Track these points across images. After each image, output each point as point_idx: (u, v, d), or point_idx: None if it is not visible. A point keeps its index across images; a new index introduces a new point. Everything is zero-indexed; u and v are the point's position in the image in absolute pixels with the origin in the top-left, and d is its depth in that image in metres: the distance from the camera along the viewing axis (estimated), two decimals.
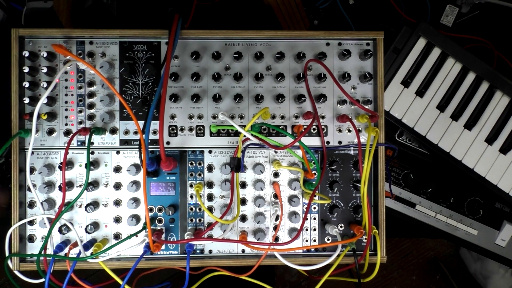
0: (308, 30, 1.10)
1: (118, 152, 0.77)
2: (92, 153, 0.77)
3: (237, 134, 0.78)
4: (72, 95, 0.76)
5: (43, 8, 0.96)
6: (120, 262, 0.76)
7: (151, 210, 0.77)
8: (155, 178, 0.77)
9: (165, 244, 0.77)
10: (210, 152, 0.78)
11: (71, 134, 0.75)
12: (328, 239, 0.79)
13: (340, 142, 0.79)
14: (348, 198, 0.79)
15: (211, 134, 0.78)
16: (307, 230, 0.79)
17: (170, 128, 0.77)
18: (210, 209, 0.78)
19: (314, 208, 0.79)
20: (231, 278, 0.80)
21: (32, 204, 0.76)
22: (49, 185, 0.75)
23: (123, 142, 0.77)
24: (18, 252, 0.74)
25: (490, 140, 0.97)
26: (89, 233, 0.75)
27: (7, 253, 0.73)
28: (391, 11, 1.12)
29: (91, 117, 0.77)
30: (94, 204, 0.75)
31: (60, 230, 0.75)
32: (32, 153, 0.75)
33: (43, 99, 0.70)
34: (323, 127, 0.79)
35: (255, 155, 0.79)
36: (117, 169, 0.77)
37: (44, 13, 0.97)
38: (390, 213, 1.00)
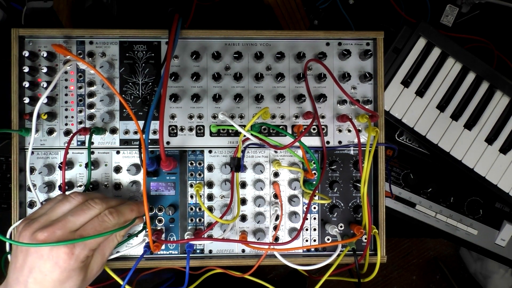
0: (308, 30, 1.10)
1: (118, 152, 0.77)
2: (92, 153, 0.77)
3: (237, 134, 0.78)
4: (72, 95, 0.77)
5: (43, 8, 0.97)
6: (120, 262, 0.75)
7: (151, 210, 0.77)
8: (155, 178, 0.77)
9: (165, 244, 0.77)
10: (210, 152, 0.78)
11: (71, 134, 0.75)
12: (328, 239, 0.79)
13: (340, 142, 0.79)
14: (348, 198, 0.79)
15: (211, 134, 0.78)
16: (307, 230, 0.79)
17: (170, 128, 0.77)
18: (210, 209, 0.78)
19: (314, 208, 0.79)
20: (231, 278, 0.80)
21: (32, 204, 0.76)
22: (49, 185, 0.75)
23: (123, 142, 0.77)
24: None
25: (490, 140, 0.97)
26: None
27: (7, 250, 0.73)
28: (391, 11, 1.12)
29: (91, 117, 0.77)
30: None
31: None
32: (32, 153, 0.75)
33: (43, 99, 0.69)
34: (323, 127, 0.79)
35: (255, 155, 0.79)
36: (117, 169, 0.77)
37: (44, 13, 0.97)
38: (390, 213, 1.00)
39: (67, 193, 0.68)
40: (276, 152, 0.79)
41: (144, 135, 0.63)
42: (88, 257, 0.60)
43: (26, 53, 0.73)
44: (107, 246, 0.66)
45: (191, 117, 0.77)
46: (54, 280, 0.56)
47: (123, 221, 0.66)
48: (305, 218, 0.77)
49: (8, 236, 0.73)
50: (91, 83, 0.76)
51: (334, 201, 0.79)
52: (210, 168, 0.78)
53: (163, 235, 0.77)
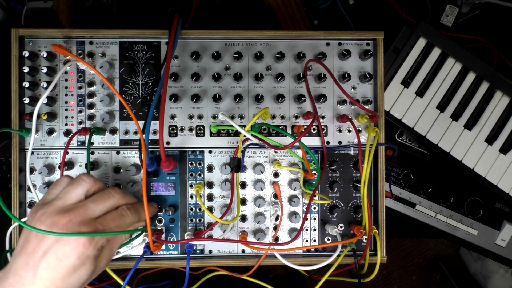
0: (308, 30, 1.10)
1: (118, 152, 0.77)
2: (92, 153, 0.77)
3: (237, 134, 0.78)
4: (72, 95, 0.76)
5: (43, 8, 0.96)
6: (120, 262, 0.75)
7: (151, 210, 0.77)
8: (155, 178, 0.77)
9: (165, 244, 0.77)
10: (210, 152, 0.78)
11: (71, 134, 0.75)
12: (328, 239, 0.79)
13: (340, 142, 0.79)
14: (348, 198, 0.79)
15: (211, 134, 0.78)
16: (307, 230, 0.79)
17: (170, 128, 0.77)
18: (210, 209, 0.78)
19: (314, 208, 0.79)
20: (231, 278, 0.80)
21: (32, 204, 0.76)
22: (49, 185, 0.75)
23: (123, 142, 0.77)
24: None
25: (490, 140, 0.97)
26: None
27: (7, 248, 0.72)
28: (391, 11, 1.12)
29: (91, 117, 0.77)
30: None
31: None
32: (32, 153, 0.75)
33: (43, 99, 0.69)
34: (323, 127, 0.79)
35: (255, 155, 0.79)
36: (117, 169, 0.77)
37: (44, 13, 0.97)
38: (390, 213, 1.00)
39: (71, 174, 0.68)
40: (276, 152, 0.79)
41: (144, 135, 0.63)
42: (102, 247, 0.60)
43: (26, 53, 0.73)
44: (116, 242, 0.65)
45: (191, 117, 0.77)
46: (68, 266, 0.54)
47: (137, 220, 0.66)
48: (305, 218, 0.77)
49: (8, 235, 0.73)
50: (91, 83, 0.76)
51: (334, 201, 0.79)
52: (210, 168, 0.78)
53: (163, 235, 0.77)
